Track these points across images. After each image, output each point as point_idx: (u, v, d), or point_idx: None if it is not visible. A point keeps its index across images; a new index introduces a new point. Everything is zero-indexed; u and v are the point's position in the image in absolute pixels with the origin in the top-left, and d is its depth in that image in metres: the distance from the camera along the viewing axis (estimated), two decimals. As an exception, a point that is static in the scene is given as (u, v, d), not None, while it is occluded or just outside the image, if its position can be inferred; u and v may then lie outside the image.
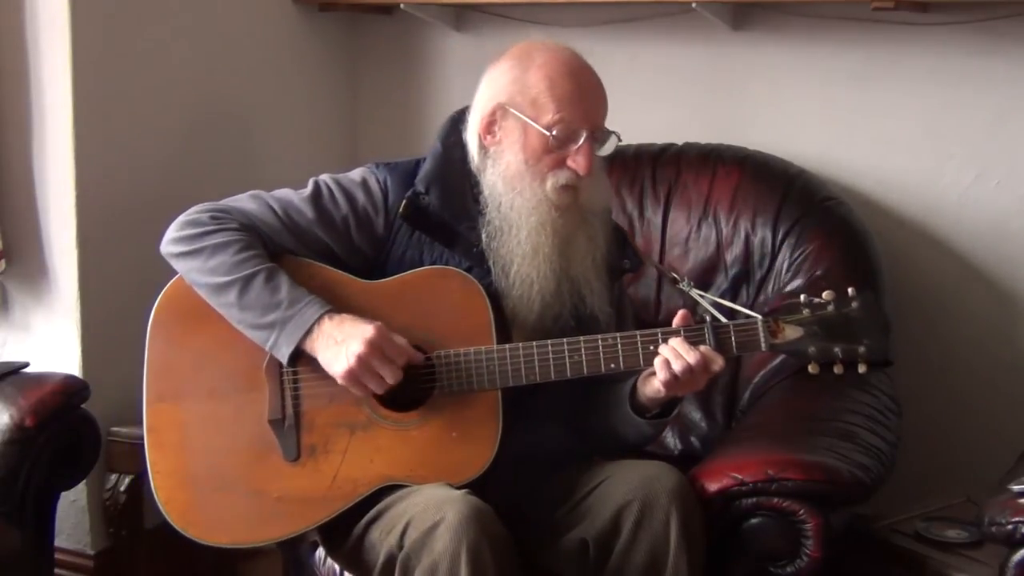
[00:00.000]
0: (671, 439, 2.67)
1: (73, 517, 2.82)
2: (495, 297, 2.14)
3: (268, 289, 2.08)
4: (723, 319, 2.13)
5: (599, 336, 2.09)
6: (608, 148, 2.17)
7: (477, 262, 2.16)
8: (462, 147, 2.21)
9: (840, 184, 2.86)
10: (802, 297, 2.10)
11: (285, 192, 2.22)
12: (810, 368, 2.08)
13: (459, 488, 2.03)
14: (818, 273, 2.61)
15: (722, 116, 2.99)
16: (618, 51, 3.02)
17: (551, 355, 2.08)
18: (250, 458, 2.11)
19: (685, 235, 2.78)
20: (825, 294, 2.09)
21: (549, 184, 2.13)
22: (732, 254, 2.72)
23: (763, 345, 2.08)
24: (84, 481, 2.62)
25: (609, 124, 2.18)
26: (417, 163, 2.24)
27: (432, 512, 1.96)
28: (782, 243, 2.67)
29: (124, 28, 2.77)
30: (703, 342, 2.07)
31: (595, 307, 2.17)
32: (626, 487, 2.05)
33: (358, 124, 3.44)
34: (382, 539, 2.04)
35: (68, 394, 2.44)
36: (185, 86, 2.93)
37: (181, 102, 2.92)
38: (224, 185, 2.48)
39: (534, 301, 2.14)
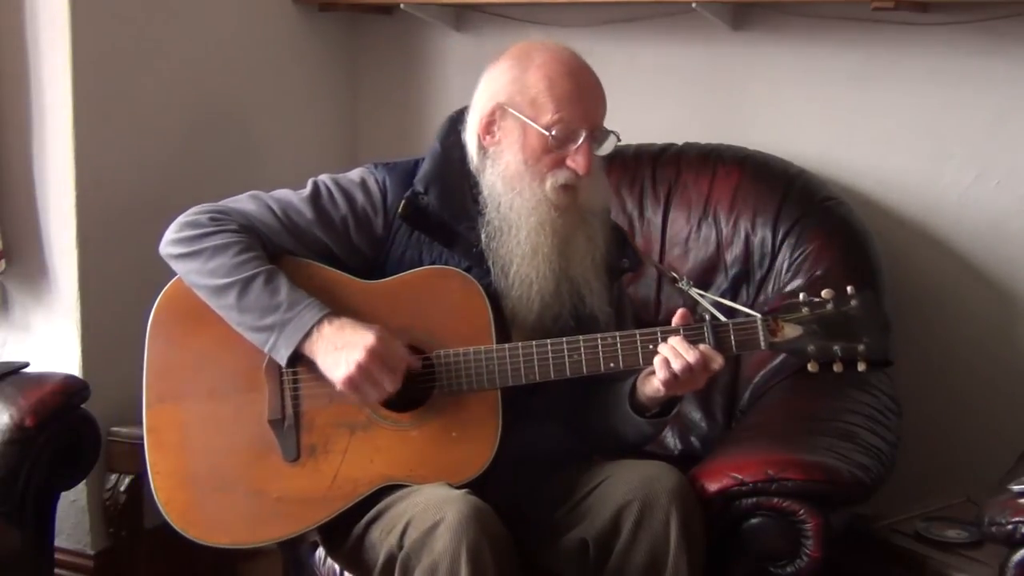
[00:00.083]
0: (671, 439, 2.67)
1: (73, 517, 2.81)
2: (494, 297, 2.13)
3: (267, 291, 2.08)
4: (722, 318, 2.13)
5: (598, 335, 2.09)
6: (607, 148, 2.17)
7: (476, 262, 2.15)
8: (461, 147, 2.21)
9: (840, 184, 2.86)
10: (801, 296, 2.10)
11: (284, 193, 2.21)
12: (809, 367, 2.08)
13: (459, 488, 2.03)
14: (818, 273, 2.61)
15: (722, 116, 2.99)
16: (618, 51, 3.02)
17: (550, 355, 2.08)
18: (250, 458, 2.11)
19: (685, 235, 2.78)
20: (824, 293, 2.09)
21: (548, 184, 2.13)
22: (732, 254, 2.72)
23: (762, 344, 2.08)
24: (84, 481, 2.62)
25: (609, 124, 2.18)
26: (416, 163, 2.24)
27: (432, 512, 1.96)
28: (782, 243, 2.67)
29: (124, 28, 2.77)
30: (702, 341, 2.06)
31: (594, 307, 2.17)
32: (626, 487, 2.05)
33: (358, 124, 3.44)
34: (382, 539, 2.04)
35: (68, 394, 2.44)
36: (185, 86, 2.93)
37: (181, 102, 2.92)
38: (224, 185, 2.48)
39: (533, 301, 2.13)
